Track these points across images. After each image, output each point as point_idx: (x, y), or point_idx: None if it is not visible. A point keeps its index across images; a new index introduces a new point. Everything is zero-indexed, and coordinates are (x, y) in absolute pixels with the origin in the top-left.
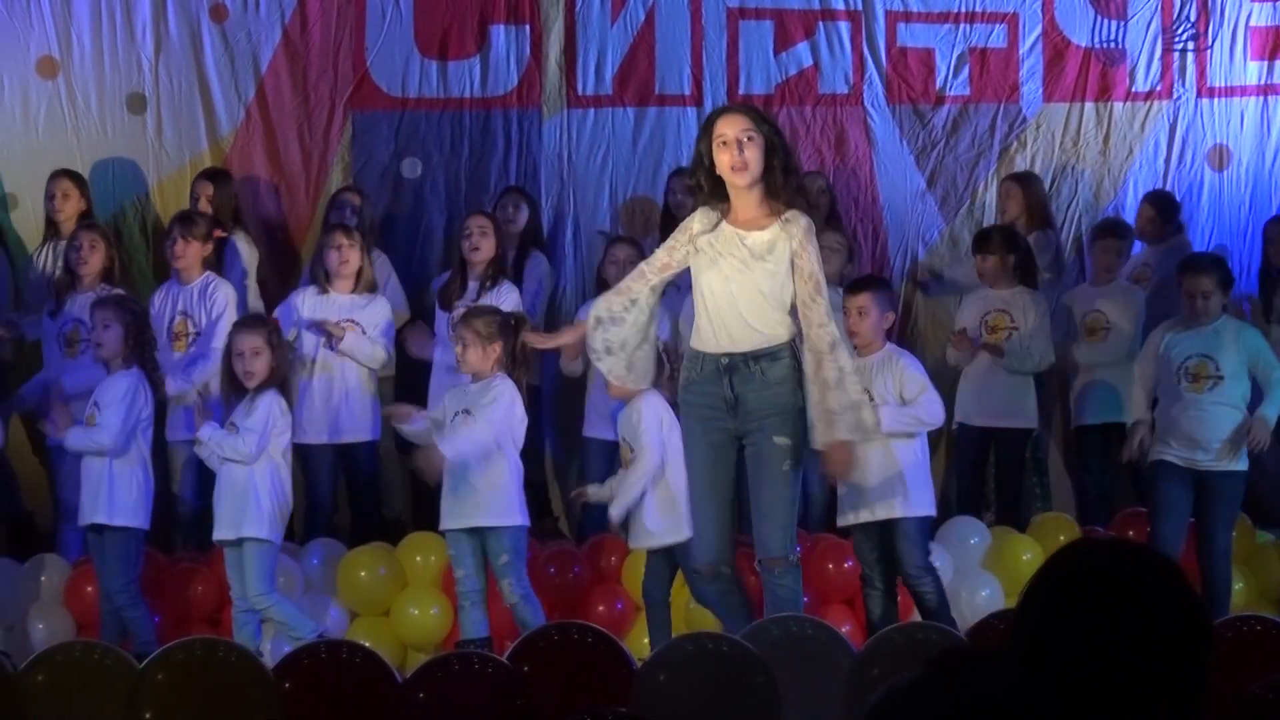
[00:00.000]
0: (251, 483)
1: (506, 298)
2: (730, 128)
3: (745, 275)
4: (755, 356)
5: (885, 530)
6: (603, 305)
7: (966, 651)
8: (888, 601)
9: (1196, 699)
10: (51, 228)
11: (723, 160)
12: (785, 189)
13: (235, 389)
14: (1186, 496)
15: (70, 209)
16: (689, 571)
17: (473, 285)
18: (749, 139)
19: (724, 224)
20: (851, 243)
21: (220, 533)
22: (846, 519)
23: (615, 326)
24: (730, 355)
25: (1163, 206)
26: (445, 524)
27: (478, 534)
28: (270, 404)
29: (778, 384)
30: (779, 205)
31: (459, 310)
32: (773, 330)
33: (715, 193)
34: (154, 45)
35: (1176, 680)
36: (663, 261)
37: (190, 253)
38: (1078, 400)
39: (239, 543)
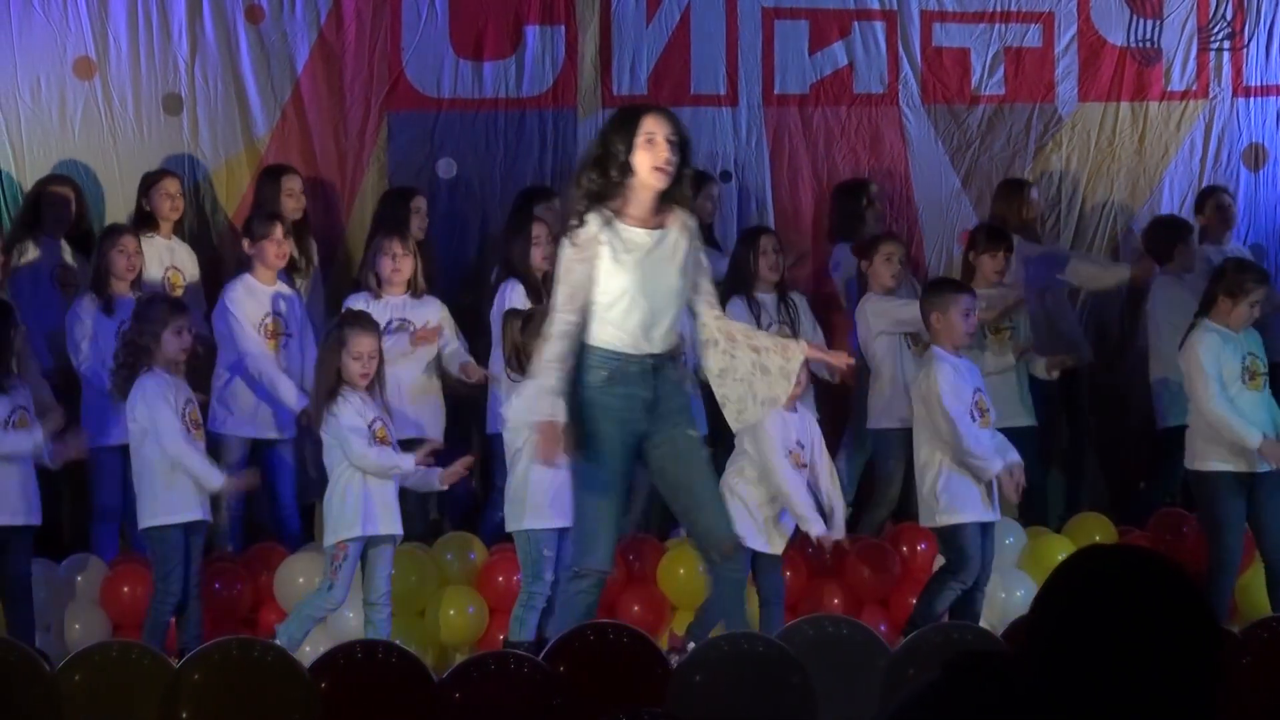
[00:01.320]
0: (394, 485)
1: None
2: (661, 128)
3: (662, 276)
4: (671, 357)
5: (987, 531)
6: (555, 380)
7: (983, 654)
8: (957, 603)
9: (1209, 702)
10: (149, 224)
11: (647, 157)
12: (684, 199)
13: (335, 384)
14: (1244, 505)
15: (179, 209)
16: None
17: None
18: (672, 144)
19: (620, 224)
20: (907, 250)
21: (363, 530)
22: (980, 514)
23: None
24: (655, 356)
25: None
26: (553, 523)
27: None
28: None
29: (682, 381)
30: (666, 206)
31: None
32: (677, 330)
33: (615, 188)
34: (190, 46)
35: (1188, 684)
36: (582, 298)
37: (286, 253)
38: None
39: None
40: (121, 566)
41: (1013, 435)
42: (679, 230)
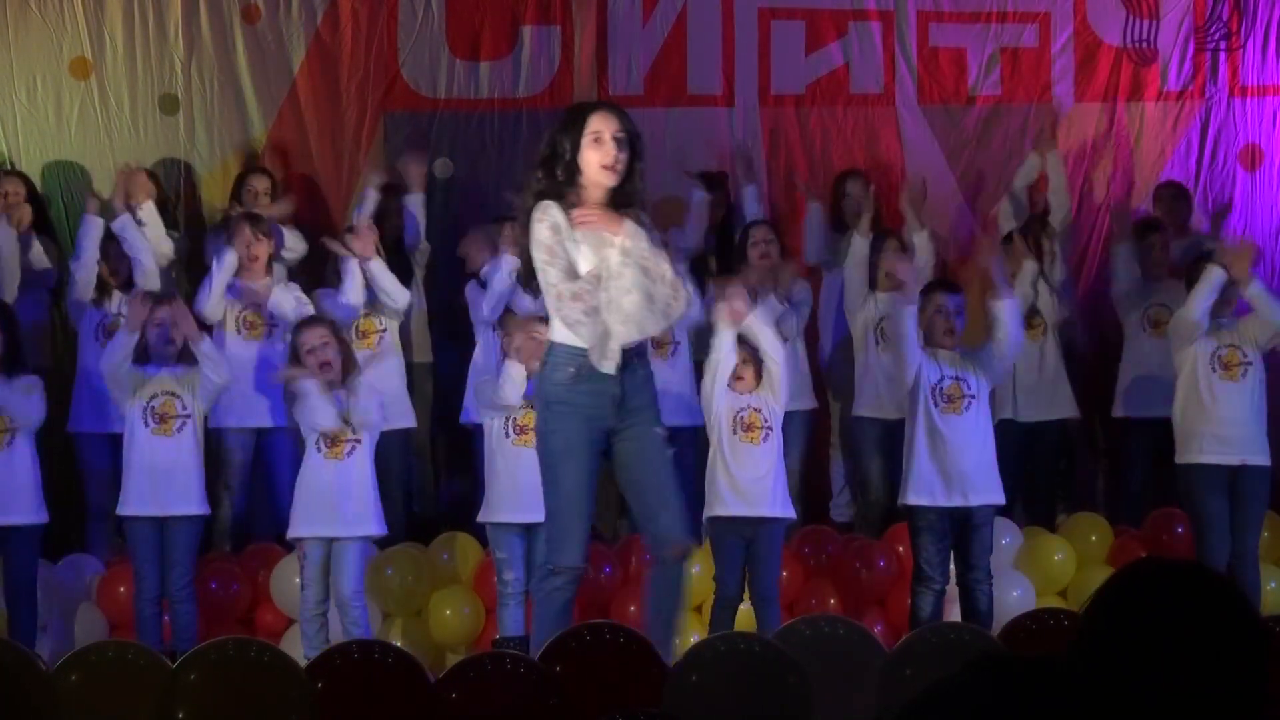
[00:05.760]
0: (366, 477)
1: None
2: (607, 125)
3: (625, 273)
4: (638, 352)
5: (962, 525)
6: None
7: (1009, 656)
8: (939, 604)
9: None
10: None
11: (594, 157)
12: (636, 195)
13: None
14: (1226, 502)
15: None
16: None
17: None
18: (620, 140)
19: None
20: (905, 248)
21: (320, 529)
22: (936, 500)
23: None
24: (624, 352)
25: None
26: (498, 517)
27: (528, 530)
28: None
29: (650, 377)
30: (619, 205)
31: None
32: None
33: (565, 187)
34: (186, 46)
35: (1233, 705)
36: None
37: (263, 251)
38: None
39: (330, 541)
40: (117, 565)
41: (1042, 428)
42: (637, 229)
